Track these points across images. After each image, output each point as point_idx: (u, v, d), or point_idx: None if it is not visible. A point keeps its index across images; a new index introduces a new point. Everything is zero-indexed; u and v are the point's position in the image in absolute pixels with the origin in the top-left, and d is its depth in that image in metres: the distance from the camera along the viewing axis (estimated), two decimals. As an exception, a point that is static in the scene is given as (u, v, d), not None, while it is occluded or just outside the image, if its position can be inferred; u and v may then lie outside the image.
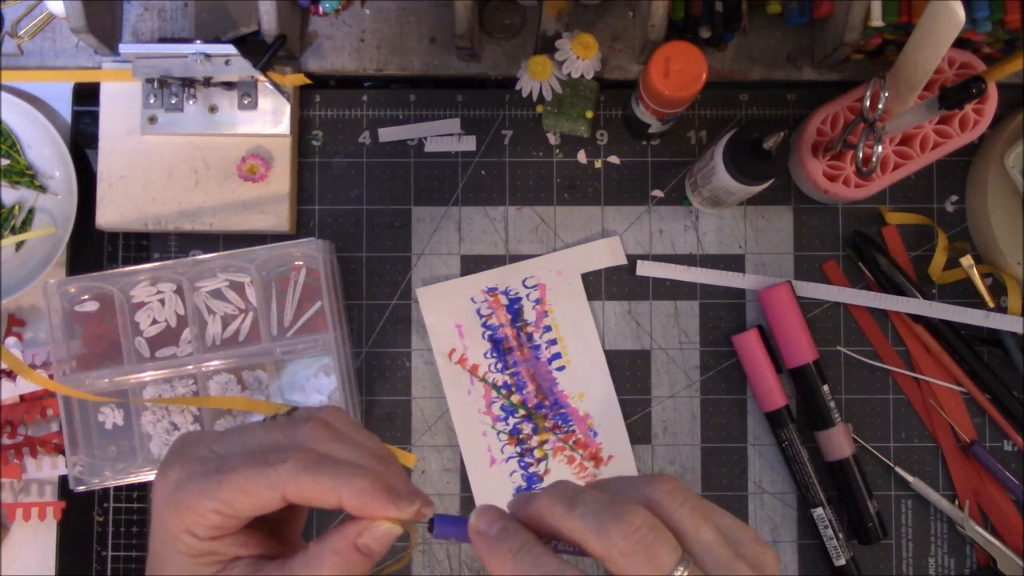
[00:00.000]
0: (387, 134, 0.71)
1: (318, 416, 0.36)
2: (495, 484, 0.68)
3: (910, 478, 0.68)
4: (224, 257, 0.65)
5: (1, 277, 0.69)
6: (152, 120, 0.68)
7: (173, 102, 0.67)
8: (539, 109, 0.68)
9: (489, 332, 0.69)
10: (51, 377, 0.66)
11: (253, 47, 0.64)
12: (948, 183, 0.70)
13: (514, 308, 0.69)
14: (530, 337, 0.69)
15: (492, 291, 0.70)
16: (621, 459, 0.68)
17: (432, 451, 0.69)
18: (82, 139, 0.71)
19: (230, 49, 0.63)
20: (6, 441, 0.68)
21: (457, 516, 0.35)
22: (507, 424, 0.69)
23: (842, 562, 0.66)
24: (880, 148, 0.58)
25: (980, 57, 0.65)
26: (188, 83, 0.66)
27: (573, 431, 0.69)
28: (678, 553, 0.30)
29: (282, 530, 0.38)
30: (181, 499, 0.33)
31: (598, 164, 0.71)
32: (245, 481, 0.33)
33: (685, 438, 0.69)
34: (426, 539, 0.69)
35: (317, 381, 0.67)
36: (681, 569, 0.30)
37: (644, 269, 0.70)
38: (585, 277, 0.70)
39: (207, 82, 0.67)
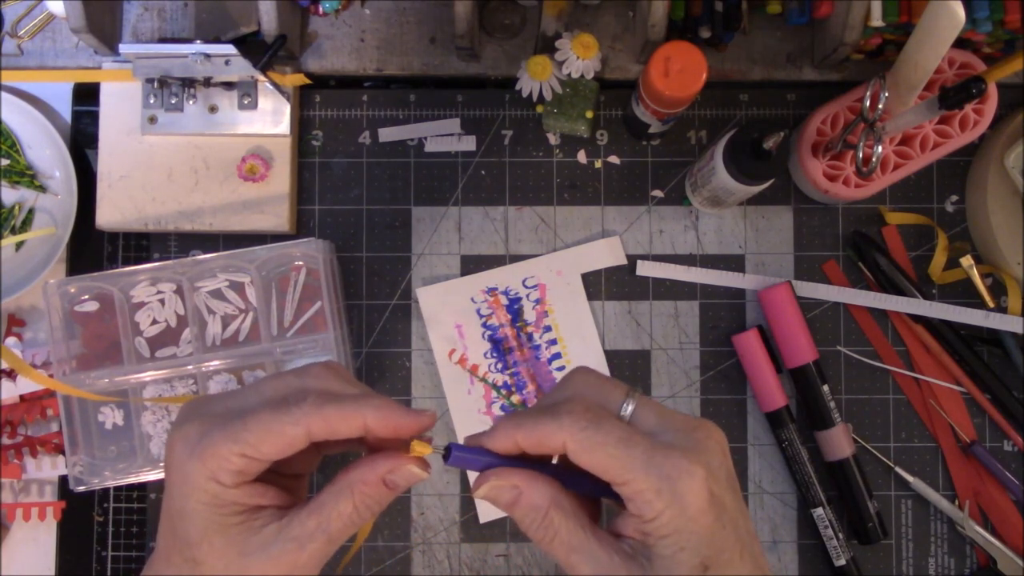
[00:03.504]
0: (387, 134, 0.71)
1: (321, 362, 0.38)
2: (495, 484, 0.68)
3: (910, 478, 0.68)
4: (224, 257, 0.65)
5: (1, 277, 0.69)
6: (152, 120, 0.68)
7: (173, 102, 0.67)
8: (539, 109, 0.67)
9: (489, 332, 0.69)
10: (51, 377, 0.66)
11: (253, 47, 0.64)
12: (948, 183, 0.70)
13: (514, 308, 0.69)
14: (530, 337, 0.69)
15: (492, 291, 0.70)
16: (621, 459, 0.68)
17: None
18: (82, 139, 0.71)
19: (230, 49, 0.63)
20: (6, 441, 0.68)
21: (471, 447, 0.37)
22: (507, 424, 0.69)
23: (842, 562, 0.66)
24: (880, 148, 0.58)
25: (980, 57, 0.65)
26: (188, 83, 0.66)
27: (573, 431, 0.69)
28: (624, 389, 0.36)
29: (292, 490, 0.39)
30: (206, 448, 0.34)
31: (598, 164, 0.71)
32: (270, 421, 0.34)
33: (685, 438, 0.69)
34: (426, 539, 0.69)
35: (317, 381, 0.67)
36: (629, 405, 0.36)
37: (644, 269, 0.70)
38: (585, 277, 0.70)
39: (207, 82, 0.67)
